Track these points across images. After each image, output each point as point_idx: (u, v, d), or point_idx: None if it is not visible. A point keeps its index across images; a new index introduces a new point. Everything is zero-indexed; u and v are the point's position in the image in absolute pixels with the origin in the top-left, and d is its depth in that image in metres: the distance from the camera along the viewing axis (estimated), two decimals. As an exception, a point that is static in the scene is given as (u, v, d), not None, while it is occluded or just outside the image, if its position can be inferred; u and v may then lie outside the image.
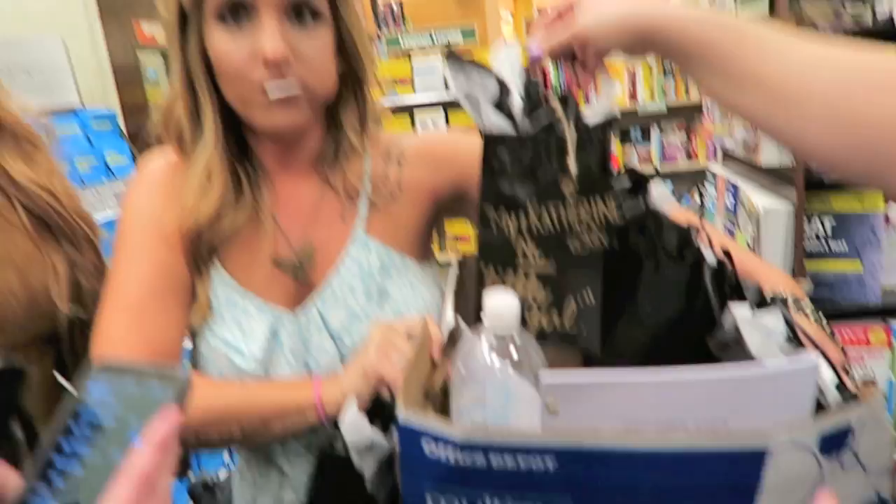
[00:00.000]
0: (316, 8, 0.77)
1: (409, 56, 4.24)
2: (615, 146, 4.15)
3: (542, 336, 0.65)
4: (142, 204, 0.84)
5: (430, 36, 4.37)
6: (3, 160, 0.86)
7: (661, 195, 0.72)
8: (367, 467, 0.63)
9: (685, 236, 0.68)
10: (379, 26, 6.28)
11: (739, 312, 0.61)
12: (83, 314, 0.88)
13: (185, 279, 0.83)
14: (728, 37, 0.57)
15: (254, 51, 0.74)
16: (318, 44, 0.78)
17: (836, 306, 1.62)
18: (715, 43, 0.58)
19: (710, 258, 0.67)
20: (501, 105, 0.66)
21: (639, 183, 0.70)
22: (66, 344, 0.89)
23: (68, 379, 0.85)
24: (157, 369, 0.45)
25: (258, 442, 0.85)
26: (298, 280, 0.85)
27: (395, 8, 7.00)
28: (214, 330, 0.82)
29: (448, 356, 0.62)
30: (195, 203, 0.80)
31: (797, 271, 1.65)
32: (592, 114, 0.66)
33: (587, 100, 0.66)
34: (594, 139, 0.65)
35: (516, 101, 0.66)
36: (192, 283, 0.83)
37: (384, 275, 0.86)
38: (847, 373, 0.59)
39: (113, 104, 2.64)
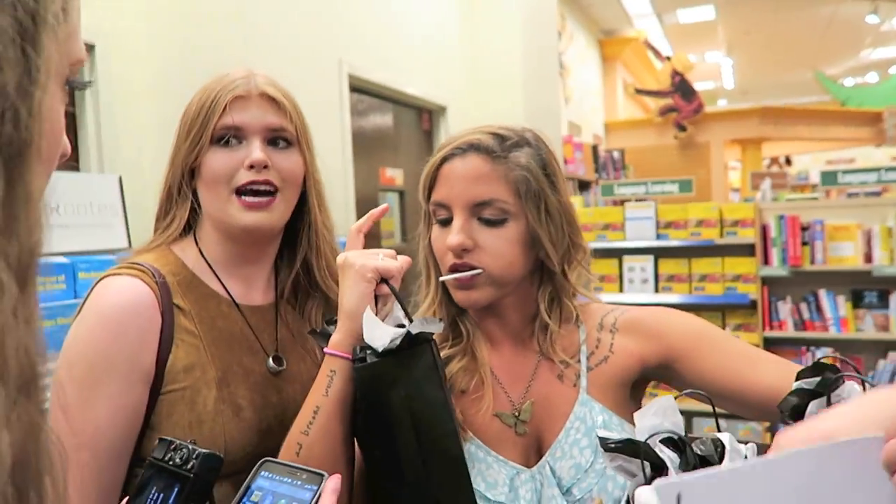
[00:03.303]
0: (503, 209, 0.94)
1: (623, 203, 4.36)
2: (847, 310, 3.80)
3: None
4: None
5: (646, 186, 4.47)
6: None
7: (853, 393, 0.72)
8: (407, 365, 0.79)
9: None
10: (598, 173, 6.55)
11: None
12: None
13: None
14: None
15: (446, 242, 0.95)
16: (501, 237, 0.94)
17: None
18: None
19: None
20: None
21: (827, 379, 0.72)
22: None
23: None
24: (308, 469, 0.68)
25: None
26: (518, 432, 0.96)
27: (615, 156, 7.28)
28: None
29: None
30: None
31: None
32: None
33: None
34: None
35: None
36: None
37: (605, 431, 0.94)
38: None
39: (352, 235, 3.09)
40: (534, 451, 0.96)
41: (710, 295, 3.90)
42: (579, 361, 0.99)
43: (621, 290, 4.08)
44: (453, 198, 0.94)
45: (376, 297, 0.87)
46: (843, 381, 0.73)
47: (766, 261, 3.81)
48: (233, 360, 1.00)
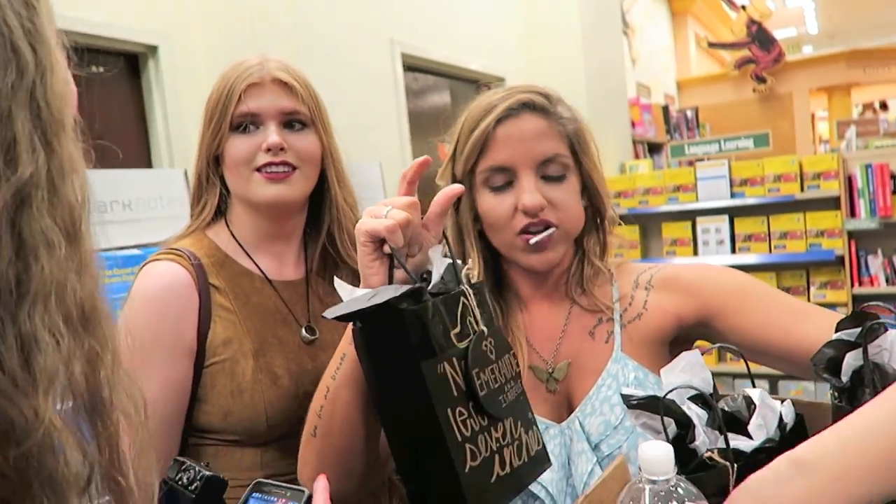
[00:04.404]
0: (564, 164, 0.94)
1: (693, 163, 4.20)
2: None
3: None
4: None
5: (718, 143, 4.29)
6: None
7: (895, 343, 0.68)
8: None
9: None
10: (670, 134, 6.32)
11: None
12: None
13: None
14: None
15: (515, 204, 0.92)
16: (567, 191, 0.94)
17: None
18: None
19: None
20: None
21: (866, 329, 0.68)
22: None
23: None
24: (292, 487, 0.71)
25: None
26: (549, 388, 0.96)
27: (689, 115, 6.99)
28: None
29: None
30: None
31: None
32: None
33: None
34: None
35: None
36: None
37: (639, 389, 0.92)
38: None
39: (414, 213, 3.13)
40: (565, 407, 0.96)
41: (793, 253, 3.72)
42: (612, 319, 0.97)
43: (696, 252, 3.95)
44: (518, 158, 0.92)
45: (392, 257, 0.79)
46: (886, 331, 0.69)
47: (852, 213, 3.60)
48: (268, 332, 1.06)
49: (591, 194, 0.98)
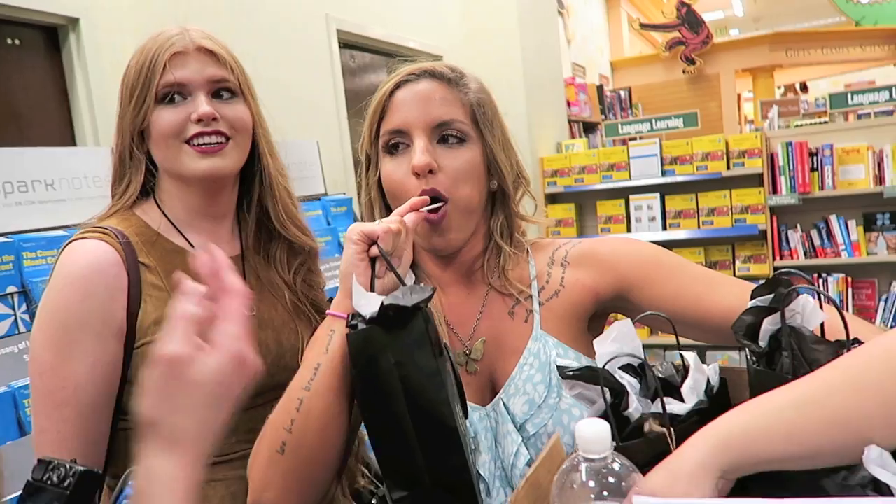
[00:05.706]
0: (462, 131, 0.92)
1: (626, 142, 4.31)
2: (858, 234, 3.75)
3: None
4: None
5: (650, 122, 4.40)
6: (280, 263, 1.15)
7: (807, 306, 0.71)
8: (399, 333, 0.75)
9: (836, 354, 0.65)
10: (605, 114, 6.44)
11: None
12: None
13: None
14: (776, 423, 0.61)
15: (409, 168, 0.90)
16: (462, 160, 0.92)
17: None
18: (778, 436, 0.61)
19: None
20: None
21: (782, 293, 0.71)
22: None
23: None
24: None
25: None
26: (469, 370, 0.95)
27: (622, 95, 7.14)
28: None
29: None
30: None
31: None
32: None
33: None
34: None
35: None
36: None
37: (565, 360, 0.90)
38: None
39: (351, 191, 3.11)
40: (488, 390, 0.95)
41: (719, 228, 3.87)
42: (530, 297, 0.96)
43: (629, 229, 4.07)
44: (412, 121, 0.90)
45: (375, 261, 0.82)
46: (798, 295, 0.72)
47: (774, 190, 3.77)
48: None
49: (494, 172, 0.95)
